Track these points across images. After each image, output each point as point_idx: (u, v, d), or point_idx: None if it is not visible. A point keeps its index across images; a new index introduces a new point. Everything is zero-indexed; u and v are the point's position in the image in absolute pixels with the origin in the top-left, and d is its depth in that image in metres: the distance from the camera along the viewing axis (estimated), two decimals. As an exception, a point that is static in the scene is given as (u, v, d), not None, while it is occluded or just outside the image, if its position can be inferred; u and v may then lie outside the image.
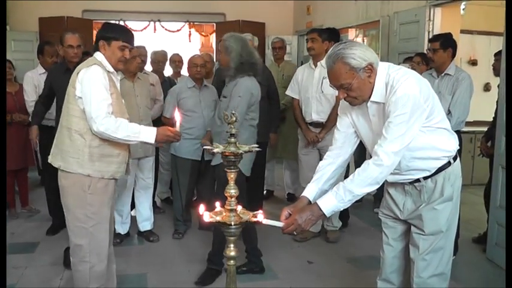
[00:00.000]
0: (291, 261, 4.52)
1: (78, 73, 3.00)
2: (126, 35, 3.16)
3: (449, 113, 4.27)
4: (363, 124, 2.64)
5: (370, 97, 2.48)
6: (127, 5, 9.97)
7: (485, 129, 5.21)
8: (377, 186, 2.45)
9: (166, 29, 10.52)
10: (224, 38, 3.65)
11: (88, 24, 9.84)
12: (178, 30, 10.71)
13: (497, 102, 4.70)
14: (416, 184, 2.64)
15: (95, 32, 10.18)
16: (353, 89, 2.42)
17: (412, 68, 4.95)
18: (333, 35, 4.93)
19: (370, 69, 2.40)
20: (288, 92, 5.10)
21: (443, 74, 4.40)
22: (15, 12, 9.39)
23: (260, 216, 2.28)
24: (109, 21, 4.21)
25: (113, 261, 3.43)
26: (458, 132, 4.39)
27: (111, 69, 3.13)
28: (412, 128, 2.36)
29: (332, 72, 2.43)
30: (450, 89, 4.32)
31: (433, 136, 2.51)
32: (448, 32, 4.60)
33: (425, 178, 2.60)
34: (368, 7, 7.30)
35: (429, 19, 6.01)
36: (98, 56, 3.11)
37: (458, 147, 2.65)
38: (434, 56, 4.41)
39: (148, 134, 3.05)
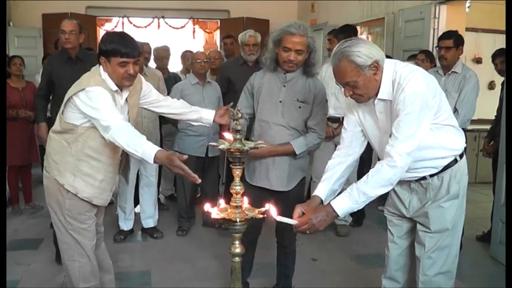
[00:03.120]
0: (295, 259, 4.50)
1: (80, 88, 2.71)
2: (126, 46, 2.74)
3: (455, 111, 4.25)
4: (369, 122, 2.62)
5: (377, 94, 2.46)
6: (131, 2, 9.96)
7: (489, 127, 5.19)
8: (391, 187, 2.45)
9: (170, 26, 10.51)
10: (309, 35, 3.13)
11: (91, 20, 9.84)
12: (182, 27, 10.70)
13: (500, 100, 4.69)
14: (422, 182, 2.60)
15: (98, 29, 10.23)
16: (358, 86, 2.41)
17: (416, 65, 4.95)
18: (350, 32, 4.98)
19: (376, 67, 2.38)
20: None
21: (450, 72, 4.38)
22: (18, 8, 9.39)
23: (273, 212, 2.31)
24: (109, 31, 4.04)
25: (110, 271, 3.35)
26: (463, 131, 4.39)
27: (115, 88, 2.81)
28: (422, 125, 2.34)
29: (337, 70, 2.43)
30: (457, 87, 4.30)
31: (441, 133, 2.48)
32: (455, 30, 4.58)
33: (431, 176, 2.57)
34: (373, 4, 7.28)
35: (434, 16, 6.00)
36: (102, 73, 2.80)
37: (465, 145, 2.64)
38: (446, 54, 4.37)
39: (148, 157, 2.56)
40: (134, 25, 10.28)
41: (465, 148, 2.64)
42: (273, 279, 3.99)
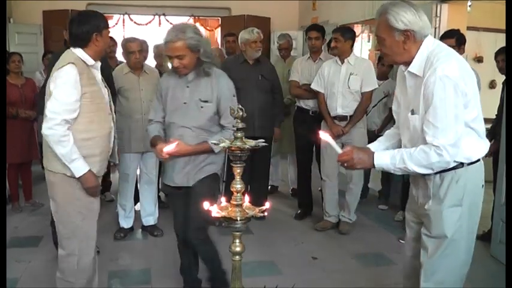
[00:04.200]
0: (296, 257, 4.52)
1: (54, 70, 2.96)
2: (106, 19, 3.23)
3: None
4: (400, 96, 2.64)
5: (409, 66, 2.47)
6: (132, -1, 9.95)
7: (490, 126, 5.18)
8: (431, 172, 2.42)
9: (171, 23, 10.44)
10: (187, 36, 3.11)
11: (92, 17, 9.81)
12: (183, 25, 10.67)
13: (501, 99, 4.68)
14: (426, 177, 2.54)
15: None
16: (385, 45, 2.47)
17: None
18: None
19: (408, 36, 2.39)
20: (313, 86, 5.14)
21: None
22: (19, 5, 9.37)
23: (327, 137, 2.58)
24: (86, 11, 4.26)
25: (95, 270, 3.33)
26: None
27: (93, 62, 3.06)
28: (460, 114, 2.31)
29: (377, 23, 2.51)
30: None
31: (465, 139, 2.39)
32: (457, 29, 4.57)
33: (435, 172, 2.47)
34: (374, 3, 7.25)
35: (435, 15, 5.97)
36: (78, 51, 3.00)
37: (483, 155, 2.52)
38: None
39: (78, 169, 2.96)
40: (135, 22, 10.26)
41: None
42: (273, 277, 3.99)
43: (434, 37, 5.77)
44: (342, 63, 4.98)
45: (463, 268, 2.63)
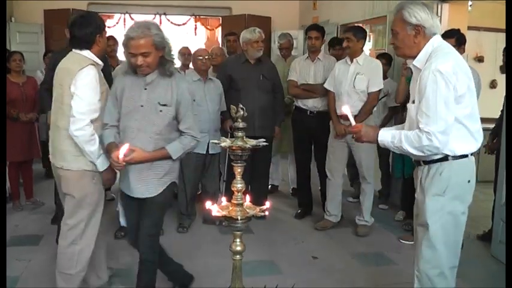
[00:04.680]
0: (296, 257, 4.52)
1: (73, 72, 3.10)
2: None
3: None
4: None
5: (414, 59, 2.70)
6: (132, -2, 9.95)
7: (491, 126, 5.19)
8: (421, 154, 2.61)
9: (172, 23, 10.48)
10: (153, 33, 3.00)
11: (93, 16, 9.82)
12: (183, 24, 10.67)
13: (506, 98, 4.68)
14: (419, 166, 2.77)
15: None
16: (397, 38, 2.71)
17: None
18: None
19: (418, 30, 2.62)
20: (325, 85, 5.14)
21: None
22: (20, 4, 9.38)
23: (346, 109, 2.82)
24: (86, 13, 4.24)
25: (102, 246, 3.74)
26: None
27: (101, 62, 3.30)
28: (451, 106, 2.51)
29: (393, 18, 2.75)
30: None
31: (453, 134, 2.57)
32: (457, 29, 4.56)
33: (424, 163, 2.72)
34: (374, 2, 7.26)
35: (436, 15, 5.96)
36: (87, 53, 3.20)
37: (474, 150, 2.69)
38: None
39: (103, 163, 3.23)
40: (136, 21, 10.26)
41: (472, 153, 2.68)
42: (273, 277, 4.00)
43: (435, 37, 5.82)
44: (351, 62, 4.98)
45: (447, 261, 2.72)
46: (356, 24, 6.80)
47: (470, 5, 6.51)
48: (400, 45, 2.73)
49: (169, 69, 3.09)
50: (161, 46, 2.99)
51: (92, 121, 3.11)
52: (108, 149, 3.08)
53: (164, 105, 3.05)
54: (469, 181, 2.72)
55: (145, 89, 3.06)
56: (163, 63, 3.05)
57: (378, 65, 5.06)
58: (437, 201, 2.66)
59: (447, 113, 2.51)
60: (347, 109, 2.84)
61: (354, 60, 4.96)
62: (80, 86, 3.07)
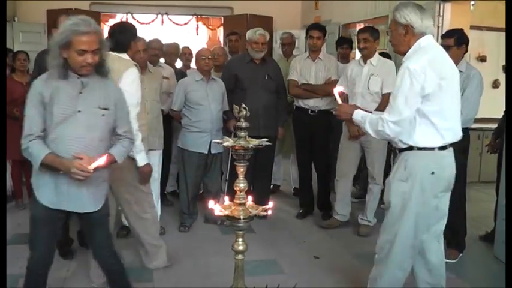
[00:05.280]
0: (298, 256, 4.52)
1: (120, 71, 3.43)
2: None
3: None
4: None
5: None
6: (135, -2, 9.97)
7: (493, 126, 5.19)
8: (376, 137, 2.98)
9: (174, 22, 10.51)
10: (99, 31, 2.85)
11: (95, 16, 9.80)
12: (185, 24, 10.69)
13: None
14: (397, 155, 3.09)
15: (102, 25, 10.23)
16: (391, 35, 3.04)
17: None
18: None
19: (407, 30, 2.90)
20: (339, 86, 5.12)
21: (454, 71, 4.36)
22: (23, 4, 9.41)
23: (337, 90, 3.13)
24: (124, 22, 4.49)
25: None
26: (466, 130, 4.38)
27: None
28: (410, 102, 2.78)
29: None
30: (460, 86, 4.27)
31: (419, 127, 2.86)
32: (460, 28, 4.55)
33: (399, 151, 3.02)
34: (376, 2, 7.26)
35: (438, 14, 5.96)
36: (125, 56, 3.65)
37: (442, 145, 2.90)
38: (448, 53, 4.35)
39: (143, 159, 3.67)
40: (138, 21, 10.27)
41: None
42: (275, 276, 4.00)
43: (437, 37, 5.84)
44: (365, 63, 4.96)
45: (404, 240, 3.00)
46: (357, 24, 6.81)
47: (473, 5, 6.50)
48: (395, 43, 3.03)
49: (105, 71, 2.86)
50: (104, 44, 2.79)
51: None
52: (52, 160, 2.68)
53: (105, 108, 2.81)
54: (433, 172, 2.89)
55: (81, 92, 2.76)
56: (101, 63, 2.81)
57: (392, 65, 4.98)
58: (399, 186, 2.95)
59: (404, 108, 2.77)
60: (338, 90, 3.16)
61: (368, 61, 4.93)
62: (128, 82, 3.44)
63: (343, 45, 6.26)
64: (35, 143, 2.69)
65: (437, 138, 2.88)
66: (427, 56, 2.82)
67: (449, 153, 2.97)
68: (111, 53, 3.35)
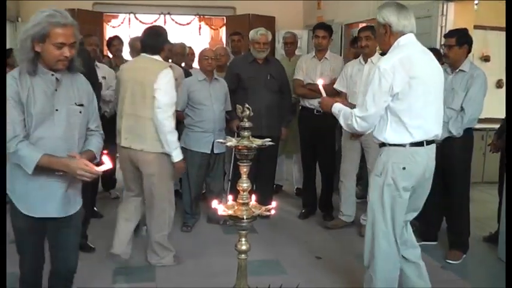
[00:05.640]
0: (299, 257, 4.51)
1: (155, 72, 3.77)
2: None
3: (462, 109, 4.23)
4: None
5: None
6: (137, -2, 9.96)
7: (497, 126, 5.17)
8: (347, 129, 3.25)
9: (176, 22, 10.50)
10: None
11: (98, 16, 9.86)
12: (188, 24, 10.69)
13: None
14: None
15: (105, 25, 10.25)
16: (376, 35, 3.29)
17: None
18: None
19: (386, 29, 3.05)
20: (336, 86, 5.11)
21: (457, 70, 4.35)
22: (27, 4, 9.40)
23: (320, 82, 3.38)
24: (156, 26, 4.62)
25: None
26: (470, 130, 4.37)
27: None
28: (377, 99, 2.95)
29: None
30: (464, 86, 4.27)
31: (387, 121, 3.02)
32: (464, 28, 4.53)
33: (379, 146, 3.18)
34: (379, 2, 7.21)
35: (442, 14, 5.94)
36: (159, 58, 3.93)
37: (413, 141, 3.01)
38: (449, 53, 4.35)
39: (178, 155, 3.99)
40: (140, 21, 10.28)
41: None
42: (277, 277, 3.99)
43: (440, 37, 5.82)
44: (365, 63, 4.94)
45: (386, 240, 3.13)
46: (360, 24, 6.79)
47: (477, 4, 6.48)
48: (378, 41, 3.29)
49: (76, 66, 2.69)
50: (78, 37, 2.62)
51: None
52: (49, 161, 2.50)
53: (81, 105, 2.68)
54: (404, 168, 3.01)
55: (56, 90, 2.59)
56: (74, 57, 2.63)
57: None
58: (375, 181, 3.14)
59: (371, 104, 2.96)
60: (321, 82, 3.39)
61: (369, 60, 4.91)
62: (164, 83, 3.75)
63: (357, 45, 6.24)
64: (24, 144, 2.48)
65: (406, 135, 3.01)
66: (400, 55, 2.95)
67: (424, 150, 3.06)
68: (144, 54, 3.93)
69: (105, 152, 2.86)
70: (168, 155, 3.94)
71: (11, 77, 2.53)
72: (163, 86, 3.76)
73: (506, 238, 3.62)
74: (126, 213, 4.23)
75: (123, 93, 3.97)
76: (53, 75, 2.57)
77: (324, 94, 3.36)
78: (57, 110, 2.58)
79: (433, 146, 3.14)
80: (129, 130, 3.92)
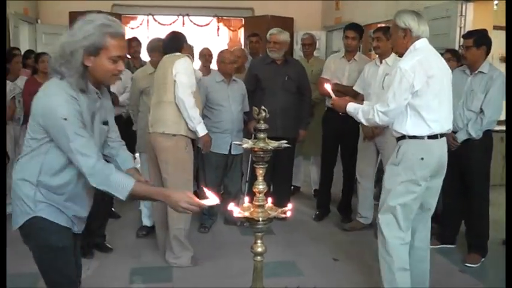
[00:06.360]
0: (316, 258, 4.50)
1: (173, 61, 4.05)
2: None
3: (481, 111, 4.20)
4: None
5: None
6: (156, 0, 10.01)
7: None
8: (367, 124, 3.48)
9: (194, 24, 10.56)
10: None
11: (117, 18, 9.85)
12: (206, 25, 10.74)
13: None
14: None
15: (124, 27, 10.33)
16: (392, 37, 3.45)
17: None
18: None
19: (405, 33, 3.28)
20: (355, 87, 5.10)
21: (476, 72, 4.30)
22: (46, 6, 9.54)
23: (328, 87, 3.52)
24: (175, 31, 4.62)
25: None
26: (489, 132, 4.32)
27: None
28: (398, 96, 3.17)
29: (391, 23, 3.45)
30: (483, 88, 4.23)
31: (407, 116, 3.26)
32: (483, 29, 4.50)
33: (396, 140, 3.41)
34: (398, 2, 7.21)
35: (461, 14, 5.90)
36: (179, 53, 4.16)
37: (429, 133, 3.26)
38: (466, 54, 4.32)
39: (203, 129, 4.22)
40: (159, 23, 10.36)
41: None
42: (294, 278, 3.99)
43: (459, 37, 5.78)
44: (380, 63, 4.92)
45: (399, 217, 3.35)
46: (378, 25, 6.75)
47: (496, 4, 6.41)
48: (394, 45, 3.48)
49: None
50: None
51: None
52: (145, 190, 2.27)
53: (106, 123, 2.43)
54: (422, 158, 3.26)
55: (99, 108, 2.35)
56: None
57: None
58: (392, 169, 3.36)
59: (391, 101, 3.19)
60: (328, 87, 3.53)
61: (383, 61, 4.89)
62: (182, 67, 4.02)
63: None
64: (112, 168, 2.20)
65: (425, 128, 3.26)
66: (418, 57, 3.20)
67: (439, 142, 3.34)
68: (166, 56, 4.21)
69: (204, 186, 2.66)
70: (189, 142, 4.17)
71: (69, 96, 2.12)
72: (182, 70, 4.02)
73: (506, 238, 3.73)
74: None
75: (153, 91, 4.35)
76: (97, 93, 2.32)
77: (333, 96, 3.54)
78: (93, 132, 2.34)
79: (445, 140, 3.40)
80: (153, 116, 4.15)
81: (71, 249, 2.35)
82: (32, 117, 2.20)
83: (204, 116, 4.96)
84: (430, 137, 3.28)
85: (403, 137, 3.32)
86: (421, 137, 3.27)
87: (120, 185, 2.16)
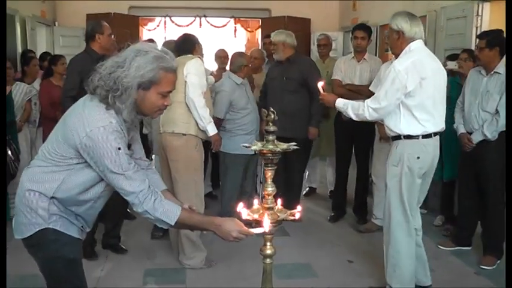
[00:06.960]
0: (331, 260, 4.49)
1: (184, 63, 4.01)
2: None
3: (497, 112, 4.14)
4: None
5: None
6: (173, 1, 10.08)
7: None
8: (357, 119, 3.53)
9: (211, 25, 10.57)
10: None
11: (134, 20, 10.00)
12: (223, 26, 10.75)
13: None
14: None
15: (141, 29, 10.42)
16: (389, 39, 3.58)
17: (459, 65, 4.83)
18: None
19: (398, 35, 3.43)
20: (371, 88, 5.05)
21: (492, 73, 4.25)
22: (63, 8, 9.64)
23: (320, 84, 3.67)
24: (186, 34, 4.65)
25: None
26: (505, 133, 4.27)
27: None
28: (389, 95, 3.29)
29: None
30: (499, 89, 4.18)
31: (400, 115, 3.38)
32: (497, 29, 4.42)
33: (392, 139, 3.54)
34: (414, 2, 7.15)
35: (477, 14, 5.83)
36: (190, 56, 4.18)
37: (424, 133, 3.38)
38: (479, 55, 4.28)
39: (213, 129, 4.25)
40: (176, 24, 10.40)
41: (427, 135, 3.40)
42: (308, 279, 3.98)
43: (475, 37, 5.71)
44: None
45: (399, 213, 3.51)
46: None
47: (514, 4, 6.32)
48: (391, 46, 3.60)
49: None
50: None
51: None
52: (191, 218, 2.22)
53: (130, 145, 2.29)
54: (418, 157, 3.40)
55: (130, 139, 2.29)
56: None
57: None
58: (393, 170, 3.49)
59: (383, 99, 3.31)
60: (320, 84, 3.66)
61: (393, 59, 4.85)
62: (192, 68, 4.05)
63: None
64: (159, 198, 2.15)
65: (419, 127, 3.38)
66: (413, 59, 3.31)
67: (433, 141, 3.46)
68: (181, 57, 4.10)
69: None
70: (199, 141, 4.19)
71: (114, 129, 2.05)
72: (193, 70, 4.05)
73: (506, 238, 3.79)
74: None
75: None
76: (135, 125, 2.30)
77: (322, 92, 3.66)
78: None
79: (438, 138, 3.51)
80: (164, 117, 4.07)
81: (81, 261, 2.33)
82: (63, 135, 2.12)
83: (227, 121, 4.96)
84: (424, 136, 3.41)
85: (399, 137, 3.45)
86: (416, 137, 3.40)
87: (170, 211, 2.13)
